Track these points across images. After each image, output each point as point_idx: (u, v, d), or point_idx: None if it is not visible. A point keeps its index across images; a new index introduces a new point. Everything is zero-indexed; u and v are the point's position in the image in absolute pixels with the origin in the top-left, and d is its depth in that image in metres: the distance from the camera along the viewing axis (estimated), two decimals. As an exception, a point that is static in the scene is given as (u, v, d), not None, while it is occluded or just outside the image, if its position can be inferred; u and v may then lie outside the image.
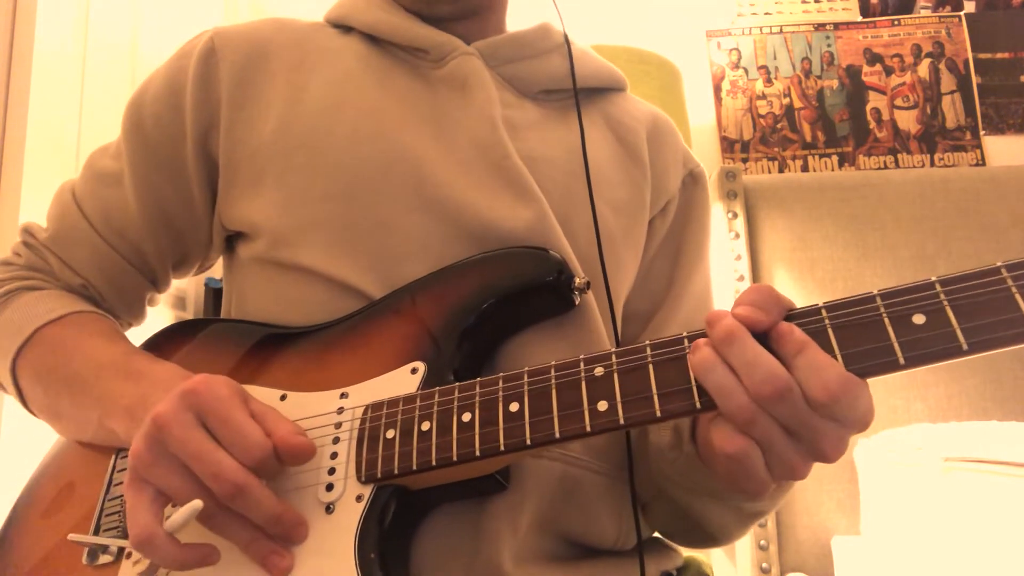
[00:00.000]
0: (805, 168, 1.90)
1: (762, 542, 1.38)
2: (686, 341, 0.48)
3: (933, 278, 0.44)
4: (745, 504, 0.61)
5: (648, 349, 0.49)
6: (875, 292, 0.45)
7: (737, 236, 1.53)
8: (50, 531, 0.62)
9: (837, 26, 1.98)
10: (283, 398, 0.59)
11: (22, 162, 1.15)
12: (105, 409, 0.60)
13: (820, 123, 1.93)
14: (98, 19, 1.32)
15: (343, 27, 0.76)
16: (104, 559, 0.57)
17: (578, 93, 0.74)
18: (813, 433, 0.44)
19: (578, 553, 0.63)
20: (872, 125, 1.92)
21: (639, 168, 0.75)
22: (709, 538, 0.68)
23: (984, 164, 1.87)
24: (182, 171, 0.71)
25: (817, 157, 1.91)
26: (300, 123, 0.68)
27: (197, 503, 0.48)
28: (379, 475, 0.53)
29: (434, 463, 0.51)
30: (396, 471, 0.52)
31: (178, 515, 0.48)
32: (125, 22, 1.39)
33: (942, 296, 0.43)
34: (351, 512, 0.52)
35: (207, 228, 0.73)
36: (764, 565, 1.36)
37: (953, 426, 1.18)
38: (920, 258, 1.49)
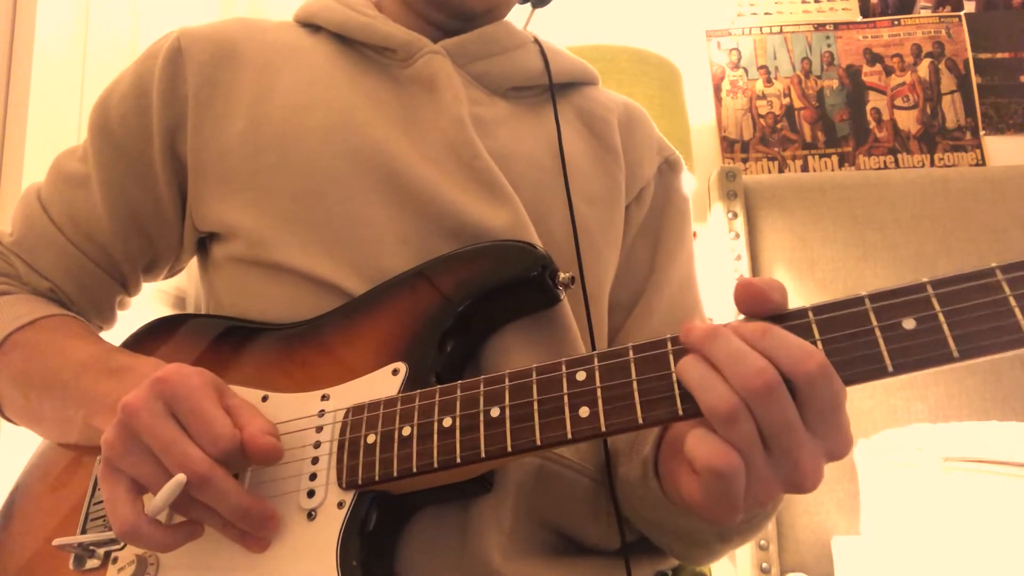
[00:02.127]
0: (805, 168, 1.90)
1: (762, 542, 1.38)
2: (669, 344, 0.47)
3: (924, 279, 0.43)
4: (714, 543, 0.60)
5: (631, 352, 0.48)
6: (864, 294, 0.44)
7: (737, 236, 1.53)
8: (36, 536, 0.61)
9: (837, 26, 1.98)
10: (265, 399, 0.59)
11: (22, 162, 1.15)
12: (90, 408, 0.60)
13: (820, 123, 1.93)
14: (98, 19, 1.32)
15: (312, 26, 0.76)
16: (91, 564, 0.57)
17: (553, 88, 0.74)
18: (793, 446, 0.42)
19: (569, 546, 0.63)
20: (872, 125, 1.91)
21: (612, 156, 0.75)
22: (677, 556, 0.68)
23: (984, 164, 1.87)
24: (150, 172, 0.70)
25: (817, 157, 1.91)
26: (270, 122, 0.67)
27: (181, 478, 0.47)
28: (360, 481, 0.52)
29: (415, 470, 0.51)
30: (377, 478, 0.52)
31: (160, 496, 0.47)
32: (125, 22, 1.39)
33: (933, 300, 0.42)
34: (333, 519, 0.52)
35: (177, 230, 0.72)
36: (764, 565, 1.36)
37: (953, 426, 1.18)
38: (920, 258, 1.49)
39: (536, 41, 0.77)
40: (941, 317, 0.42)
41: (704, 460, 0.42)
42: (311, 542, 0.51)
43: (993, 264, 0.42)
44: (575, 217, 0.67)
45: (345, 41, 0.74)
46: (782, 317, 0.45)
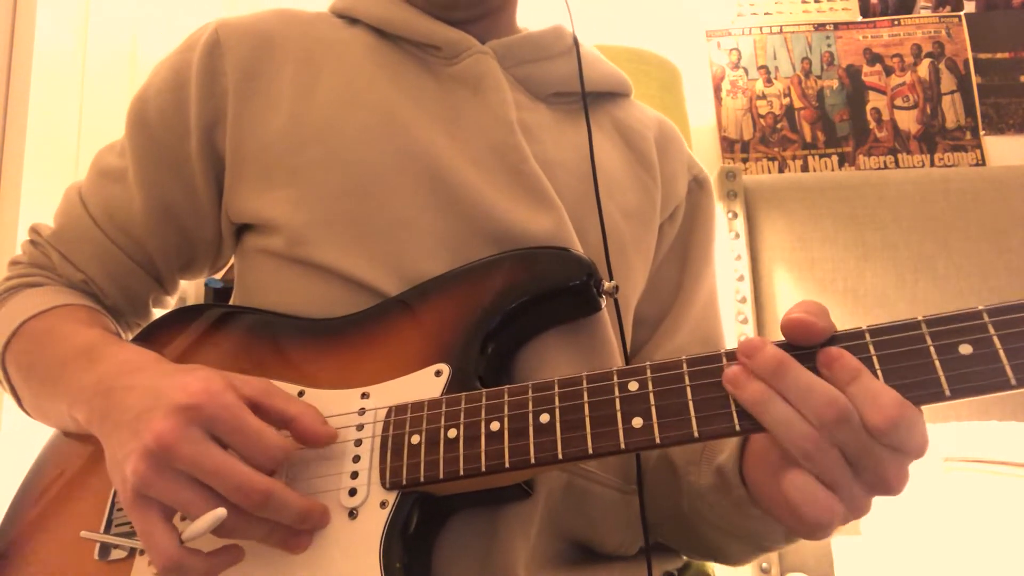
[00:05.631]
0: (805, 168, 1.90)
1: (762, 542, 1.37)
2: (724, 359, 0.47)
3: (980, 307, 0.43)
4: (779, 544, 0.60)
5: (684, 365, 0.48)
6: (920, 318, 0.44)
7: (737, 236, 1.53)
8: (59, 523, 0.61)
9: (837, 26, 1.98)
10: (301, 394, 0.58)
11: (22, 162, 1.15)
12: (70, 399, 0.58)
13: (820, 123, 1.93)
14: (98, 19, 1.32)
15: (349, 18, 0.74)
16: (117, 554, 0.56)
17: (586, 97, 0.73)
18: (876, 463, 0.43)
19: (586, 555, 0.63)
20: (872, 125, 1.91)
21: (649, 173, 0.75)
22: (715, 559, 0.68)
23: (984, 164, 1.87)
24: (187, 166, 0.70)
25: (817, 157, 1.91)
26: (311, 117, 0.66)
27: (221, 512, 0.46)
28: (404, 482, 0.52)
29: (462, 473, 0.50)
30: (422, 479, 0.51)
31: (199, 525, 0.46)
32: (125, 22, 1.39)
33: (990, 327, 0.42)
34: (375, 518, 0.51)
35: (214, 225, 0.72)
36: (764, 565, 1.36)
37: (953, 426, 1.18)
38: (920, 258, 1.49)
39: (575, 45, 0.76)
40: (997, 343, 0.42)
41: (807, 514, 0.43)
42: (352, 541, 0.51)
43: None
44: (610, 229, 0.67)
45: (384, 35, 0.72)
46: (838, 338, 0.45)
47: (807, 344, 0.45)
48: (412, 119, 0.66)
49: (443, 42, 0.70)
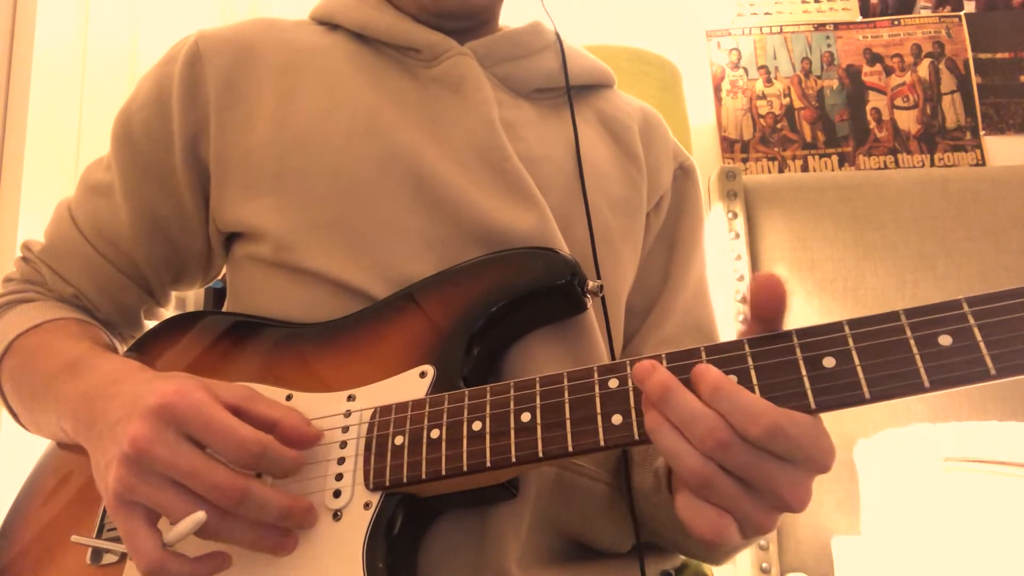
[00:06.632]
0: (805, 168, 1.90)
1: (762, 542, 1.38)
2: (703, 354, 0.47)
3: (960, 298, 0.43)
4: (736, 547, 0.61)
5: (664, 361, 0.48)
6: (899, 310, 0.44)
7: (737, 236, 1.53)
8: (53, 529, 0.61)
9: (837, 26, 1.98)
10: (289, 398, 0.59)
11: (22, 164, 1.15)
12: (59, 411, 0.59)
13: (820, 123, 1.93)
14: (98, 19, 1.32)
15: (329, 25, 0.75)
16: (108, 559, 0.57)
17: (571, 91, 0.73)
18: (767, 480, 0.42)
19: (581, 552, 0.63)
20: (872, 125, 1.91)
21: (635, 164, 0.75)
22: (690, 556, 0.70)
23: (984, 164, 1.87)
24: (172, 178, 0.70)
25: (817, 157, 1.91)
26: (293, 124, 0.67)
27: (200, 515, 0.46)
28: (387, 483, 0.52)
29: (444, 473, 0.50)
30: (405, 479, 0.51)
31: (179, 529, 0.47)
32: (125, 22, 1.39)
33: (969, 317, 0.42)
34: (359, 519, 0.52)
35: (202, 235, 0.72)
36: (764, 565, 1.36)
37: (953, 426, 1.18)
38: (920, 258, 1.49)
39: (558, 40, 0.76)
40: (977, 333, 0.42)
41: (697, 532, 0.43)
42: (337, 543, 0.51)
43: None
44: (597, 222, 0.67)
45: (364, 40, 0.73)
46: (815, 331, 0.45)
47: (769, 315, 0.45)
48: (394, 123, 0.67)
49: (423, 44, 0.70)
